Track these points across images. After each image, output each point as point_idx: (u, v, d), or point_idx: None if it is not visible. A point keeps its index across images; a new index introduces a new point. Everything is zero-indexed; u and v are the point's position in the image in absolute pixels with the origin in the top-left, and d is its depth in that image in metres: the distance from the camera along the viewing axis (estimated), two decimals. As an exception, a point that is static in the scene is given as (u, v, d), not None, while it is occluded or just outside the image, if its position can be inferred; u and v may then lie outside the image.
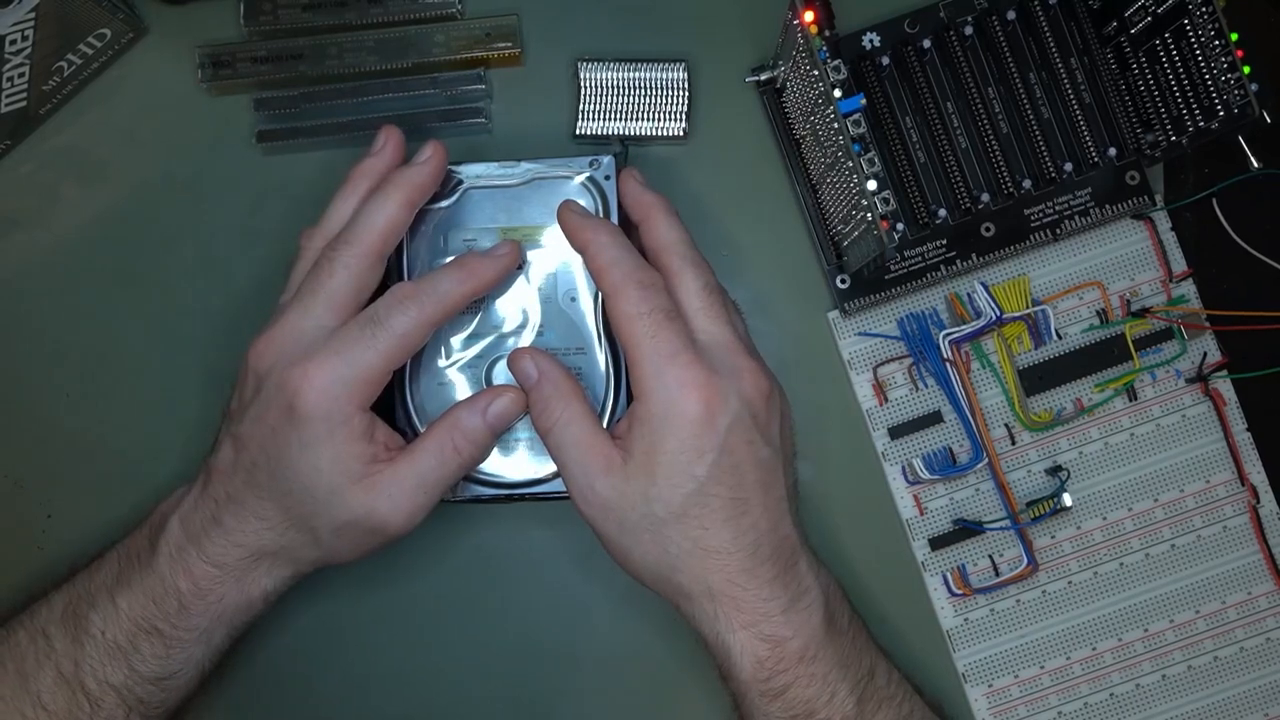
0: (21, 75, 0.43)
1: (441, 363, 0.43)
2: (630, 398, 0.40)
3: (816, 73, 0.39)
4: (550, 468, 0.42)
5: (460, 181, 0.43)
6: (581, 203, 0.42)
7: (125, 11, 0.45)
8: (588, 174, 0.43)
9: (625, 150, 0.44)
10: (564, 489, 0.40)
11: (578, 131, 0.46)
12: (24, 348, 0.47)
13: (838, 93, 0.39)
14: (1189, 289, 0.46)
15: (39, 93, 0.45)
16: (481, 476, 0.43)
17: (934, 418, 0.46)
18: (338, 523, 0.38)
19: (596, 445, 0.39)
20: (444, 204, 0.43)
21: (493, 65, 0.47)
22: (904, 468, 0.46)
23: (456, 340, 0.43)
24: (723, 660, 0.39)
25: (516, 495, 0.43)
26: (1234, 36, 0.40)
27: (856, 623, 0.41)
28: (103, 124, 0.47)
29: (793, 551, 0.39)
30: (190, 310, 0.47)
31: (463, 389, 0.43)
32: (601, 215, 0.43)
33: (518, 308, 0.43)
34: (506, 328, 0.43)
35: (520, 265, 0.43)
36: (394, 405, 0.43)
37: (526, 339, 0.43)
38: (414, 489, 0.39)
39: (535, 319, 0.43)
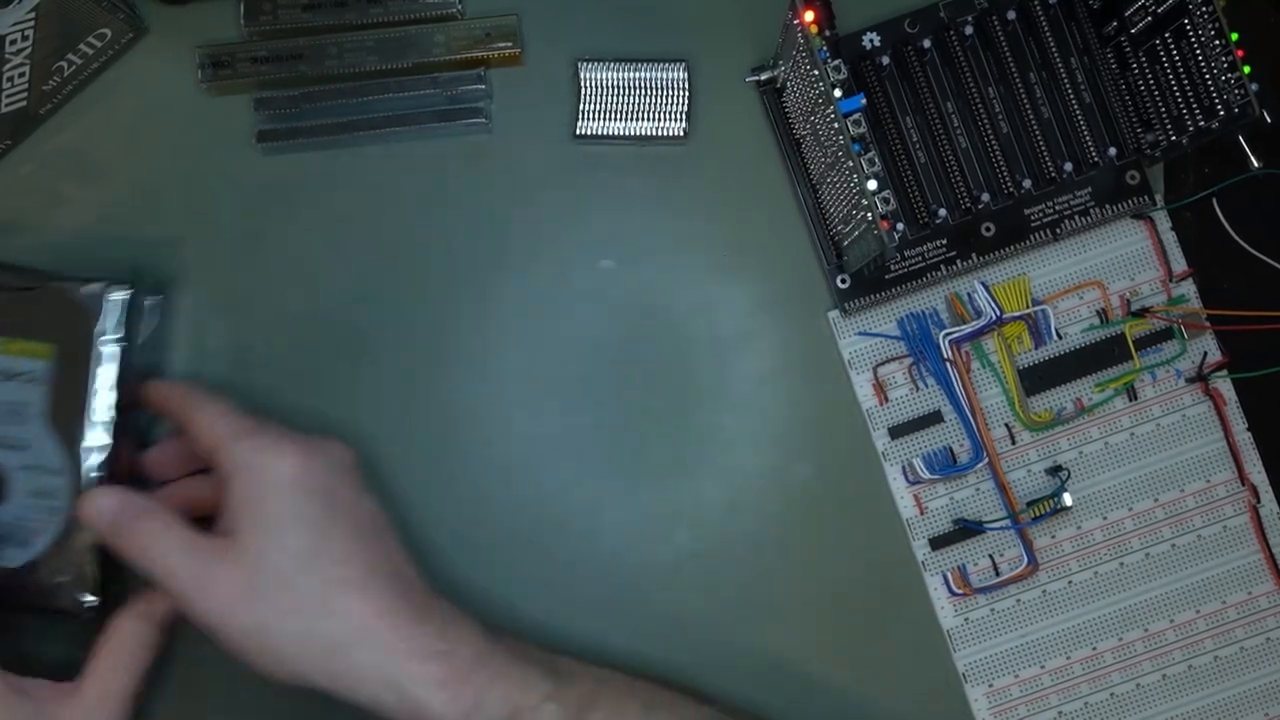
0: (22, 75, 0.43)
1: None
2: None
3: (816, 73, 0.39)
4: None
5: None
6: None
7: (125, 11, 0.45)
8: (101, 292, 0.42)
9: (139, 286, 0.43)
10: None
11: (578, 131, 0.46)
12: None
13: (838, 93, 0.39)
14: (1189, 289, 0.46)
15: (39, 93, 0.45)
16: None
17: (934, 418, 0.46)
18: None
19: (199, 548, 0.38)
20: None
21: (493, 65, 0.47)
22: (904, 468, 0.46)
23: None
24: (399, 704, 0.37)
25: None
26: (1234, 36, 0.40)
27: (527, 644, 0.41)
28: (103, 124, 0.47)
29: (427, 589, 0.39)
30: (189, 310, 0.47)
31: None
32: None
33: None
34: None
35: None
36: None
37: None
38: None
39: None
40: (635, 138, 0.46)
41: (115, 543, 0.39)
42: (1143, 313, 0.46)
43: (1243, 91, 0.41)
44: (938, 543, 0.46)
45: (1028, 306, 0.46)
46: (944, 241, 0.46)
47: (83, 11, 0.43)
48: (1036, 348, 0.46)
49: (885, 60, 0.45)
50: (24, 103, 0.45)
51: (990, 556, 0.46)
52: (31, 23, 0.42)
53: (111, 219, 0.47)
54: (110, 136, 0.47)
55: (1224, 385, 0.46)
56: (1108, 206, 0.46)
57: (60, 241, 0.46)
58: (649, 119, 0.46)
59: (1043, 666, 0.45)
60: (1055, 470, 0.46)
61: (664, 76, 0.46)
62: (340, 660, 0.37)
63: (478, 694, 0.37)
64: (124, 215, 0.47)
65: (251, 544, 0.37)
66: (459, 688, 0.37)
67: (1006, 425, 0.46)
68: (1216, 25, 0.41)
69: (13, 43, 0.42)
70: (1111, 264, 0.46)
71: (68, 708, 0.38)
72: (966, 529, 0.45)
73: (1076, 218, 0.46)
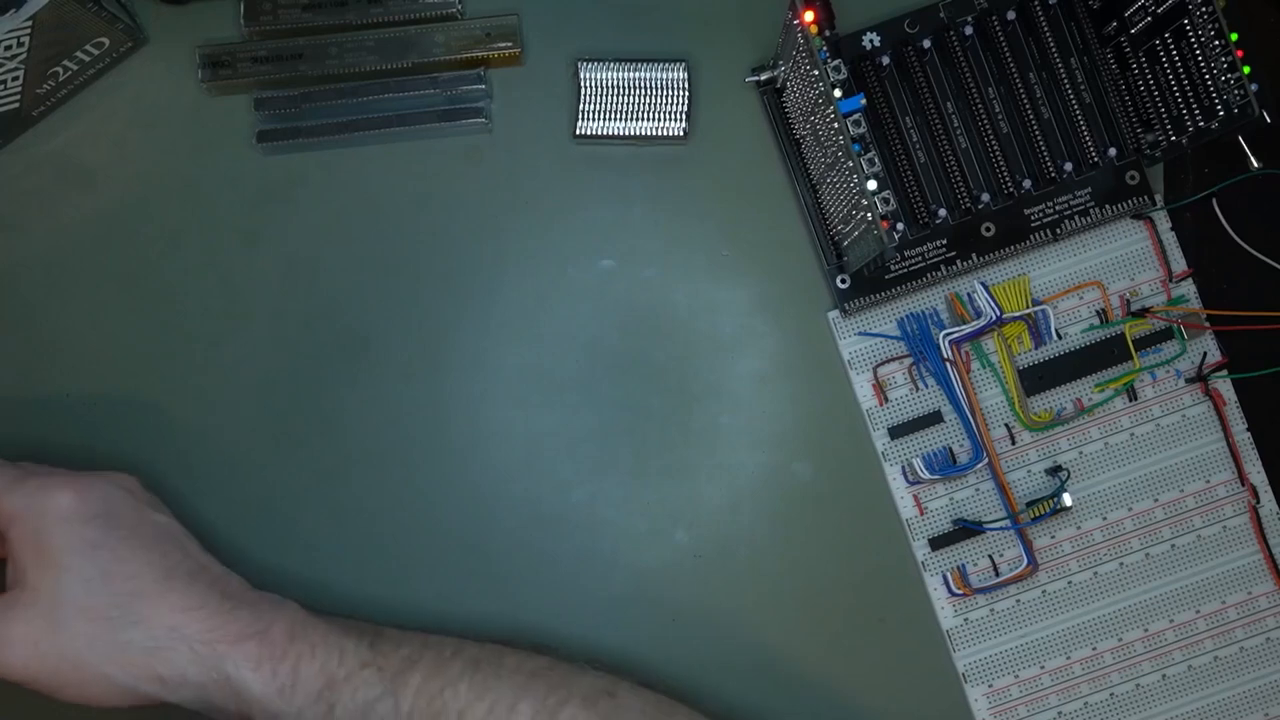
0: (15, 79, 0.43)
1: None
2: None
3: (816, 73, 0.39)
4: None
5: None
6: None
7: (125, 22, 0.45)
8: None
9: None
10: None
11: (578, 131, 0.46)
12: (23, 347, 0.47)
13: (838, 93, 0.39)
14: (1189, 289, 0.46)
15: (32, 95, 0.45)
16: None
17: (934, 418, 0.46)
18: None
19: None
20: None
21: (493, 65, 0.47)
22: (904, 468, 0.46)
23: None
24: (224, 690, 0.38)
25: None
26: (1234, 36, 0.40)
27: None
28: (102, 124, 0.47)
29: (241, 584, 0.40)
30: (189, 311, 0.47)
31: None
32: None
33: None
34: None
35: None
36: None
37: None
38: None
39: None
40: (635, 138, 0.46)
41: None
42: (1142, 313, 0.46)
43: (1242, 91, 0.40)
44: (937, 543, 0.46)
45: (1028, 306, 0.46)
46: (944, 241, 0.46)
47: (82, 21, 0.43)
48: (1036, 348, 0.46)
49: (885, 60, 0.45)
50: (17, 104, 0.45)
51: (990, 557, 0.46)
52: (28, 30, 0.41)
53: (111, 219, 0.47)
54: (109, 136, 0.47)
55: (1224, 385, 0.46)
56: (1108, 206, 0.46)
57: (62, 241, 0.47)
58: (649, 119, 0.46)
59: (1042, 667, 0.45)
60: (1055, 470, 0.46)
61: (664, 76, 0.46)
62: (160, 663, 0.37)
63: (294, 668, 0.38)
64: (123, 215, 0.47)
65: (41, 582, 0.37)
66: (275, 664, 0.38)
67: (1006, 425, 0.46)
68: (1216, 25, 0.40)
69: (7, 48, 0.42)
70: (1111, 264, 0.46)
71: None
72: (966, 529, 0.45)
73: (1076, 218, 0.46)
